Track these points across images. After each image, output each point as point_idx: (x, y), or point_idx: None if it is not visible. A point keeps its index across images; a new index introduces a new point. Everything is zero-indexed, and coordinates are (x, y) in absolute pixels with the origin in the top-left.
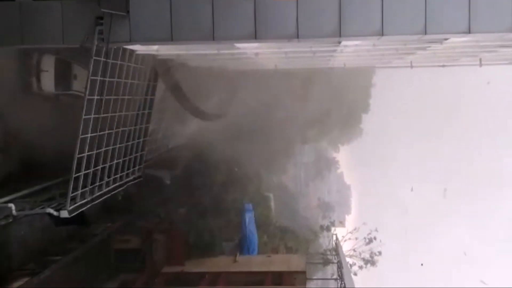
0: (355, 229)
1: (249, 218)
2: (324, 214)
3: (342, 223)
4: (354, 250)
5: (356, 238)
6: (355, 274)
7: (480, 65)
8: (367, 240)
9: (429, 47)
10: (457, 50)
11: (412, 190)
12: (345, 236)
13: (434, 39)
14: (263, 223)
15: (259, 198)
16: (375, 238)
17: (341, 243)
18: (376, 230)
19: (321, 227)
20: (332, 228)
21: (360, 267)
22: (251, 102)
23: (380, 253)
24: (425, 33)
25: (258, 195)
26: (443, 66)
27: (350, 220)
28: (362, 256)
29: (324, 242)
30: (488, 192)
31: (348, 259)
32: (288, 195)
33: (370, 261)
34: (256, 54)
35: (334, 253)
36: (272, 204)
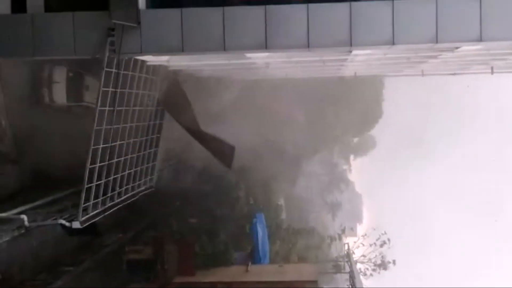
0: (365, 234)
1: (261, 227)
2: (335, 223)
3: (353, 230)
4: (364, 256)
5: (370, 245)
6: (366, 275)
7: (492, 73)
8: (377, 245)
9: (441, 55)
10: (469, 58)
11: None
12: (357, 241)
13: (445, 48)
14: (274, 232)
15: (270, 207)
16: (388, 241)
17: (352, 250)
18: (387, 237)
19: (332, 237)
20: (343, 238)
21: (371, 274)
22: (261, 112)
23: (394, 262)
24: (436, 42)
25: (270, 205)
26: (454, 74)
27: (361, 228)
28: (373, 261)
29: (336, 250)
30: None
31: (359, 265)
32: (299, 204)
33: (381, 265)
34: (267, 63)
35: (346, 259)
36: (284, 213)
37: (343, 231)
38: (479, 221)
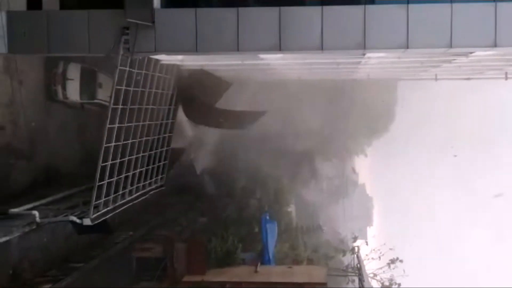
0: (376, 249)
1: (270, 228)
2: (345, 225)
3: (362, 235)
4: (375, 275)
5: (379, 258)
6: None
7: (506, 78)
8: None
9: (454, 60)
10: (483, 63)
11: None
12: (369, 254)
13: (459, 53)
14: (284, 233)
15: (280, 208)
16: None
17: (365, 262)
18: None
19: (342, 240)
20: (354, 242)
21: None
22: (275, 114)
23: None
24: (451, 47)
25: (280, 206)
26: (468, 79)
27: (372, 233)
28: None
29: (347, 258)
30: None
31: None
32: (309, 206)
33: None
34: (281, 65)
35: (356, 261)
36: (294, 215)
37: (355, 238)
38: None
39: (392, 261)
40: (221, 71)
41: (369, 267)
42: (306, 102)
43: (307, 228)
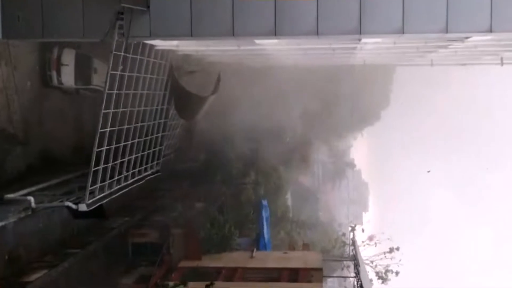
0: (373, 237)
1: (266, 214)
2: (341, 212)
3: (358, 220)
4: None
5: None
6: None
7: (502, 64)
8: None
9: (450, 45)
10: (479, 48)
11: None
12: (364, 241)
13: (455, 38)
14: (280, 219)
15: (276, 194)
16: (396, 250)
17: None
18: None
19: (339, 226)
20: (350, 227)
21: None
22: (267, 99)
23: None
24: (446, 32)
25: (275, 192)
26: (464, 64)
27: (367, 219)
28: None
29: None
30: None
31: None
32: (305, 192)
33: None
34: (276, 51)
35: (351, 247)
36: (290, 201)
37: (353, 227)
38: (490, 218)
39: (391, 250)
40: (217, 56)
41: (365, 254)
42: (301, 87)
43: (303, 217)
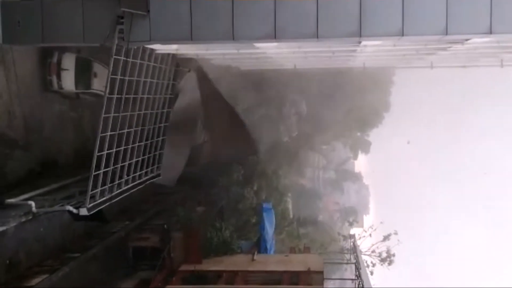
0: (371, 226)
1: (267, 217)
2: (342, 214)
3: (359, 223)
4: (373, 251)
5: (371, 236)
6: (372, 273)
7: (502, 66)
8: (384, 238)
9: (450, 47)
10: (478, 50)
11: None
12: (361, 234)
13: (455, 40)
14: (281, 222)
15: (277, 197)
16: (394, 234)
17: (359, 241)
18: (395, 232)
19: (339, 228)
20: (350, 229)
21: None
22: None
23: (394, 255)
24: (446, 34)
25: (276, 194)
26: (464, 66)
27: (368, 219)
28: (379, 253)
29: (344, 244)
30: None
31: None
32: (306, 194)
33: (387, 260)
34: (276, 54)
35: (352, 251)
36: (290, 203)
37: (351, 223)
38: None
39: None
40: (217, 59)
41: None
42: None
43: (304, 219)
